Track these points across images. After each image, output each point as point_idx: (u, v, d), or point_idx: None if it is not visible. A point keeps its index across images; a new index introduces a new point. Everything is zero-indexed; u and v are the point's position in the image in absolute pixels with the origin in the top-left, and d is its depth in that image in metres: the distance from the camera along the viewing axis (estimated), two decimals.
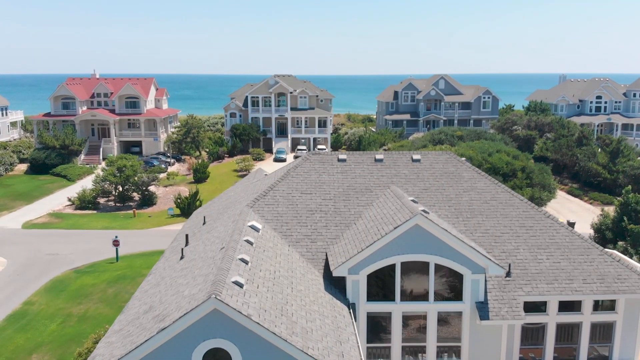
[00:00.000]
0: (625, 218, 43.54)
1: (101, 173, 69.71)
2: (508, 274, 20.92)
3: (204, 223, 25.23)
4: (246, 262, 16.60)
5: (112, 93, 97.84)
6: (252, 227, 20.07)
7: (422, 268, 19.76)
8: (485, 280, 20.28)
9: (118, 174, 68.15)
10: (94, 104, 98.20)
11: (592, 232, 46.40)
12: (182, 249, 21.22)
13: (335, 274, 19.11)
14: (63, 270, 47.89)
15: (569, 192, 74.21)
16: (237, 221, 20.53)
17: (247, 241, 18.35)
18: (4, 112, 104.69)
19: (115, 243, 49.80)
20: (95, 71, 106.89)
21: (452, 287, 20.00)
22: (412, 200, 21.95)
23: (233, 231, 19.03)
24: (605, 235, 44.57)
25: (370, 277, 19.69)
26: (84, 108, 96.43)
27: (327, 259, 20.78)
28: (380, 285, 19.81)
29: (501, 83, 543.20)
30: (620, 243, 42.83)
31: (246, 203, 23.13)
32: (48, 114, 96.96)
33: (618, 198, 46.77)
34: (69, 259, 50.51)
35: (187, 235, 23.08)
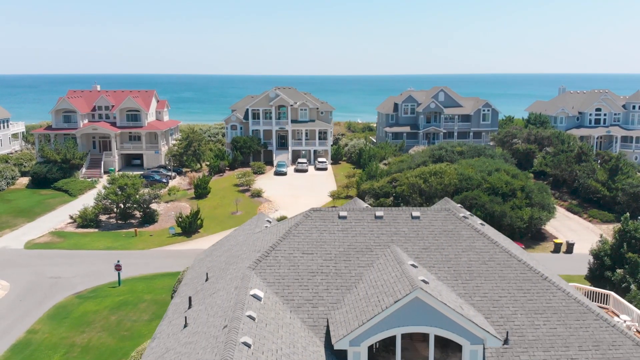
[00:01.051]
0: (624, 245, 43.95)
1: (102, 190, 69.98)
2: (506, 342, 21.29)
3: (206, 279, 25.57)
4: (249, 346, 16.98)
5: (113, 106, 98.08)
6: (255, 296, 20.45)
7: (422, 338, 20.12)
8: (484, 349, 20.66)
9: (119, 192, 68.46)
10: (95, 117, 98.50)
11: (591, 258, 46.84)
12: (186, 317, 21.59)
13: (336, 347, 19.49)
14: (65, 295, 48.34)
15: (569, 209, 74.48)
16: (239, 288, 20.92)
17: (250, 317, 18.74)
18: (6, 124, 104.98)
19: (118, 267, 50.23)
20: (96, 84, 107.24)
21: (452, 356, 20.38)
22: (412, 265, 22.32)
23: (235, 304, 19.42)
24: (604, 262, 44.96)
25: (371, 347, 20.06)
26: (85, 121, 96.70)
27: (328, 327, 21.16)
28: (382, 355, 20.20)
29: (501, 84, 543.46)
30: (618, 271, 43.24)
31: (248, 264, 23.48)
32: (49, 127, 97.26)
33: (617, 224, 47.11)
34: (72, 283, 50.95)
35: (190, 298, 23.44)
